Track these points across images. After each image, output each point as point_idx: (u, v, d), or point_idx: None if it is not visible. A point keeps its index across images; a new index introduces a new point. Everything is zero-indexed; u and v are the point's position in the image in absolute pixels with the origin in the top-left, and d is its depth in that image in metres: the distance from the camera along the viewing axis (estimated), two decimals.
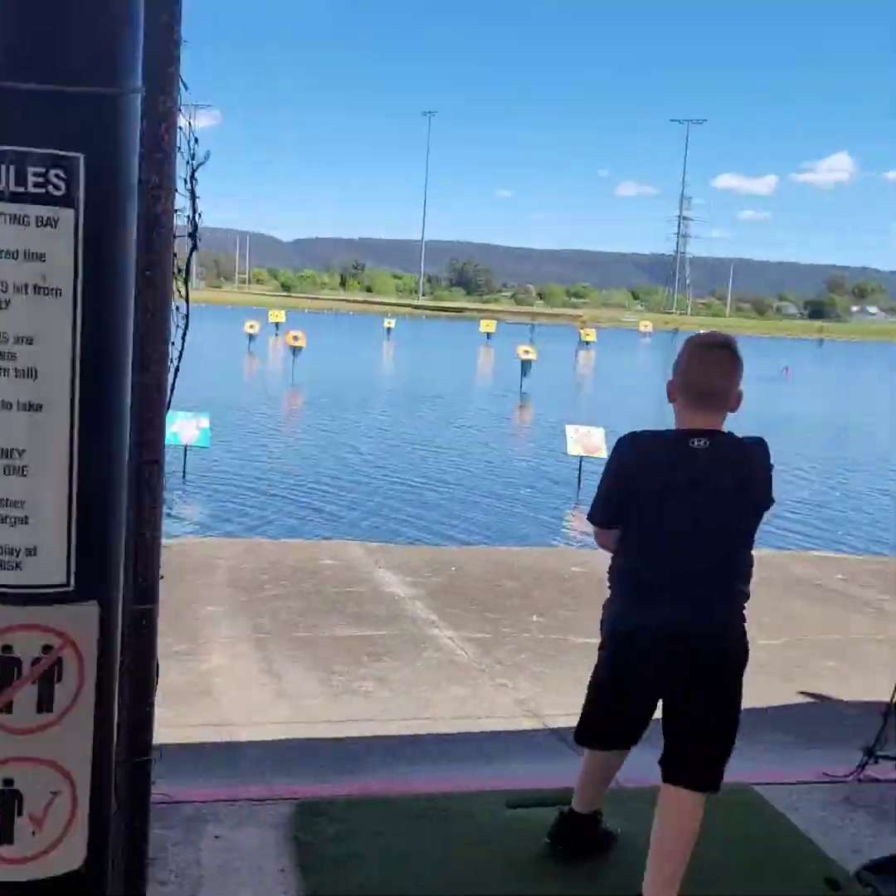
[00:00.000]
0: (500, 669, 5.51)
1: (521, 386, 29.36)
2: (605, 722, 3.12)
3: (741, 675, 2.88)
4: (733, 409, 2.86)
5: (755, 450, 2.85)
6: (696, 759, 2.85)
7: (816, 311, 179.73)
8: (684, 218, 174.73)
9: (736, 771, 3.21)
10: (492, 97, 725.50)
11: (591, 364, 45.45)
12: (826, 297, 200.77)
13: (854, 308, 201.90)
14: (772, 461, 2.87)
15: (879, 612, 7.33)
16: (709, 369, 2.81)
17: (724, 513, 2.79)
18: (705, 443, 2.75)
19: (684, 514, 2.78)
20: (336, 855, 3.03)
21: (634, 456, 2.86)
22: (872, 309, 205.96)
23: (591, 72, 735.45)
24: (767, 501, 2.87)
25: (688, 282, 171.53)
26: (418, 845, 3.10)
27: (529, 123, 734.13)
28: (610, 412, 24.67)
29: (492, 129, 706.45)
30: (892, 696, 3.90)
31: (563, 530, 12.37)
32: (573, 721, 4.82)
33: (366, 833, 3.15)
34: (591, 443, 14.96)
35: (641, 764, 3.87)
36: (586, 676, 5.55)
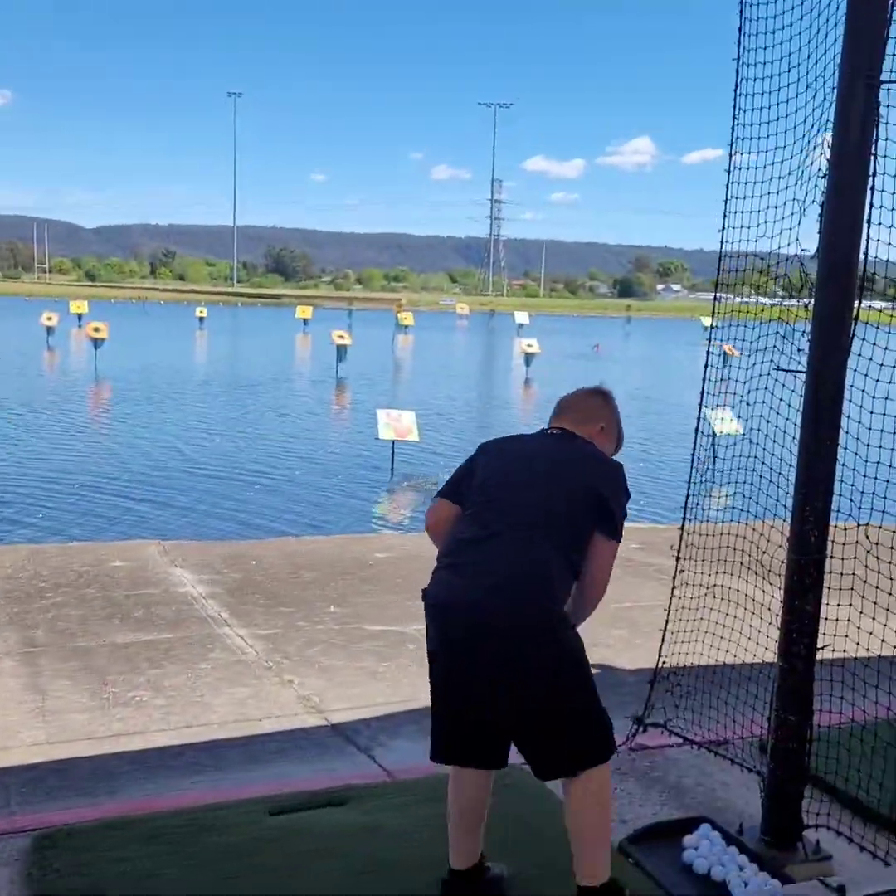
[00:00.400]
0: (288, 665, 5.31)
1: (337, 371, 29.11)
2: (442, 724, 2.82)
3: (556, 661, 2.66)
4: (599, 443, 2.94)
5: (610, 462, 2.89)
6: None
7: (625, 289, 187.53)
8: (497, 201, 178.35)
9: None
10: (298, 79, 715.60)
11: (409, 348, 45.59)
12: (633, 277, 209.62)
13: (659, 286, 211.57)
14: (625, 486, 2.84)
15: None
16: (576, 395, 3.06)
17: (555, 480, 2.78)
18: (558, 431, 2.94)
19: (518, 469, 2.83)
20: (73, 887, 2.78)
21: (492, 441, 3.03)
22: (676, 286, 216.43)
23: (399, 51, 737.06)
24: (611, 509, 2.75)
25: (503, 263, 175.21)
26: (165, 866, 2.88)
27: (340, 106, 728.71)
28: (425, 395, 24.86)
29: (301, 113, 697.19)
30: (658, 664, 3.97)
31: (373, 516, 12.24)
32: (358, 714, 4.73)
33: (109, 859, 2.91)
34: (401, 426, 14.96)
35: (413, 753, 3.80)
36: (377, 665, 5.49)
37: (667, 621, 3.91)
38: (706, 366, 3.63)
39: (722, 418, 10.00)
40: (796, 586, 2.99)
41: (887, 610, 3.24)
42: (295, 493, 13.02)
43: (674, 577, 3.87)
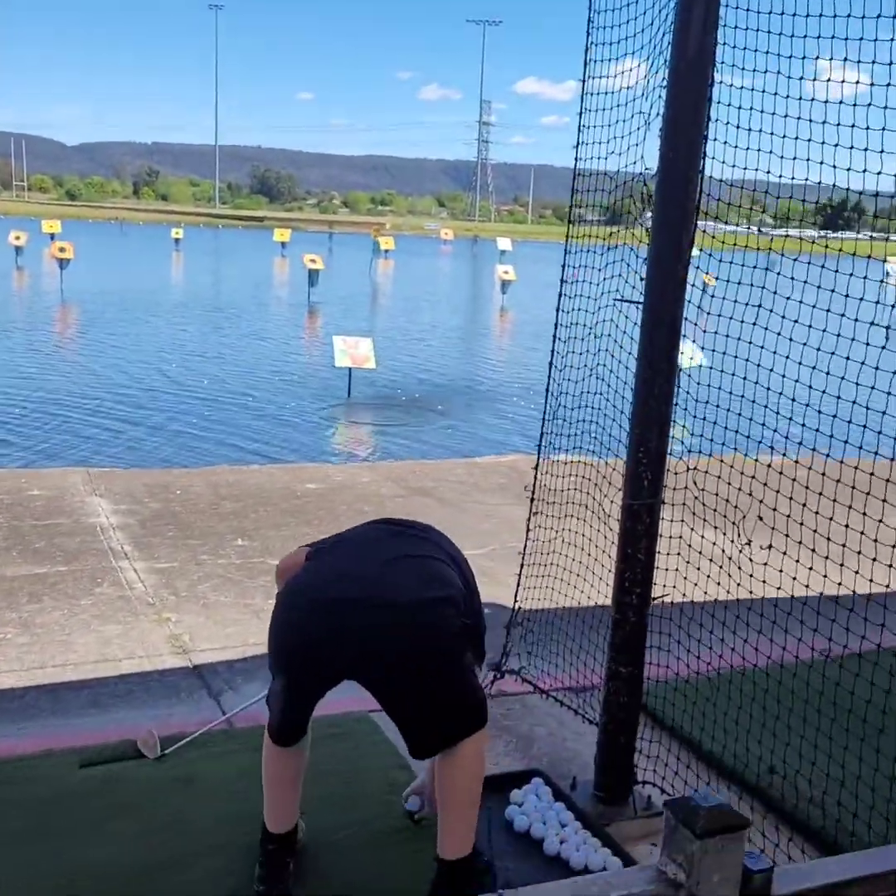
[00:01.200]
0: (173, 602, 5.14)
1: (309, 296, 28.55)
2: None
3: None
4: None
5: None
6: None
7: (614, 216, 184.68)
8: (485, 123, 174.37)
9: (359, 697, 3.01)
10: None
11: (387, 273, 44.89)
12: (622, 203, 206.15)
13: (648, 213, 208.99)
14: None
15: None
16: None
17: None
18: None
19: None
20: None
21: None
22: None
23: None
24: None
25: (491, 188, 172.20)
26: None
27: (327, 24, 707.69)
28: (394, 321, 24.45)
29: (288, 30, 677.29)
30: (515, 607, 3.80)
31: (318, 445, 12.01)
32: (224, 655, 4.56)
33: None
34: (359, 354, 14.67)
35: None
36: (265, 602, 5.31)
37: (521, 566, 3.73)
38: (560, 294, 3.38)
39: (681, 352, 9.66)
40: (629, 533, 2.80)
41: (711, 559, 3.06)
42: (245, 420, 12.76)
43: (528, 520, 3.68)
